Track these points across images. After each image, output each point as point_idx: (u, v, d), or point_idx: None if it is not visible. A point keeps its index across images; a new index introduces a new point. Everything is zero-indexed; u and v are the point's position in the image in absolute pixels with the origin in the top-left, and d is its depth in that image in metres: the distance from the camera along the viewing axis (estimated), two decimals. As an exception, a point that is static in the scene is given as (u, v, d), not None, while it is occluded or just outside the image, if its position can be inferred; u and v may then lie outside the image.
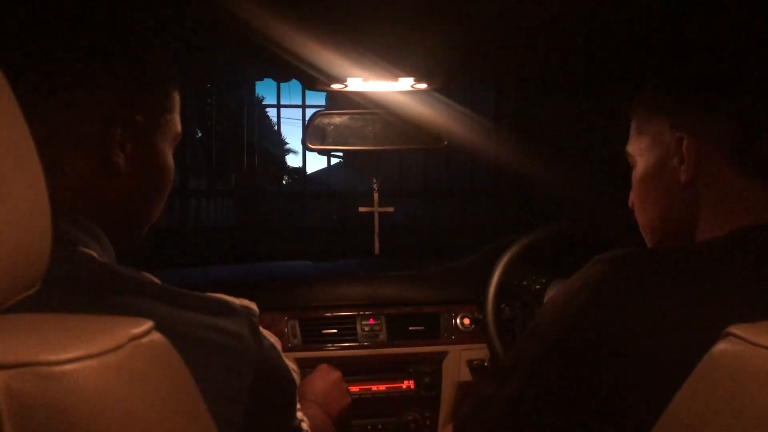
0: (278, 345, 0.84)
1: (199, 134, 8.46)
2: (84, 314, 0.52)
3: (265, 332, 0.81)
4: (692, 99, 0.84)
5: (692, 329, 0.68)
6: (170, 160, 0.88)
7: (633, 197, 0.94)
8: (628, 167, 0.97)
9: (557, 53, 1.27)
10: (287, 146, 13.67)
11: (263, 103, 11.35)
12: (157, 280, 0.74)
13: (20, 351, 0.43)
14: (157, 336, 0.51)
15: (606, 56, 1.34)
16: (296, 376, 0.88)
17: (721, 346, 0.57)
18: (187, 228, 5.70)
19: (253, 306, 0.79)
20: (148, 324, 0.51)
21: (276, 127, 10.26)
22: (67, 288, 0.65)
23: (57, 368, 0.43)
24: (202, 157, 7.46)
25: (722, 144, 0.81)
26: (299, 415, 0.90)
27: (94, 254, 0.72)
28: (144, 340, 0.49)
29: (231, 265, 2.30)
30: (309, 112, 4.70)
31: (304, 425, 0.92)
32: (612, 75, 1.49)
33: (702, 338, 0.59)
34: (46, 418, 0.42)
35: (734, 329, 0.56)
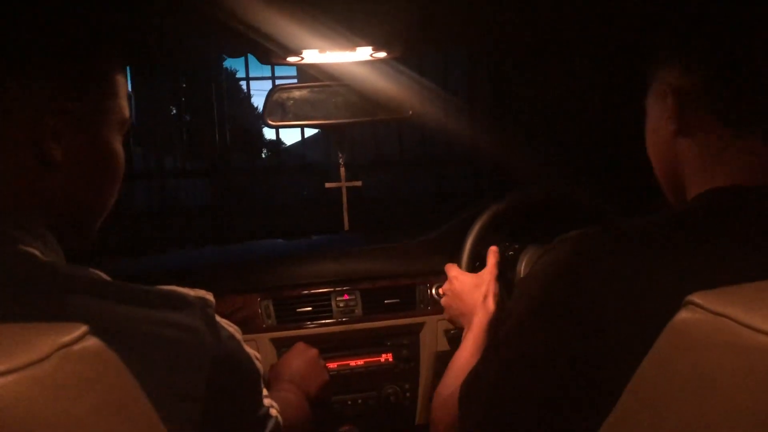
0: (238, 335, 0.81)
1: (174, 111, 8.33)
2: (9, 322, 0.49)
3: (224, 322, 0.78)
4: (675, 53, 0.84)
5: (654, 299, 0.67)
6: (117, 147, 0.83)
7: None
8: (600, 134, 0.97)
9: (520, 23, 1.24)
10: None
11: (236, 76, 11.20)
12: (105, 277, 0.70)
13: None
14: (91, 341, 0.48)
15: (571, 25, 1.32)
16: (259, 364, 0.86)
17: (682, 315, 0.56)
18: (165, 210, 5.63)
19: (209, 296, 0.76)
20: (80, 329, 0.48)
21: (250, 101, 10.14)
22: (6, 289, 0.62)
23: (-25, 385, 0.40)
24: (176, 136, 7.35)
25: (700, 97, 0.81)
26: (266, 401, 0.88)
27: (36, 252, 0.69)
28: (75, 347, 0.47)
29: (205, 246, 2.27)
30: (280, 83, 4.63)
31: (273, 411, 0.89)
32: (579, 42, 1.47)
33: (663, 307, 0.58)
34: (-37, 440, 0.40)
35: (695, 297, 0.55)
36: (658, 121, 0.87)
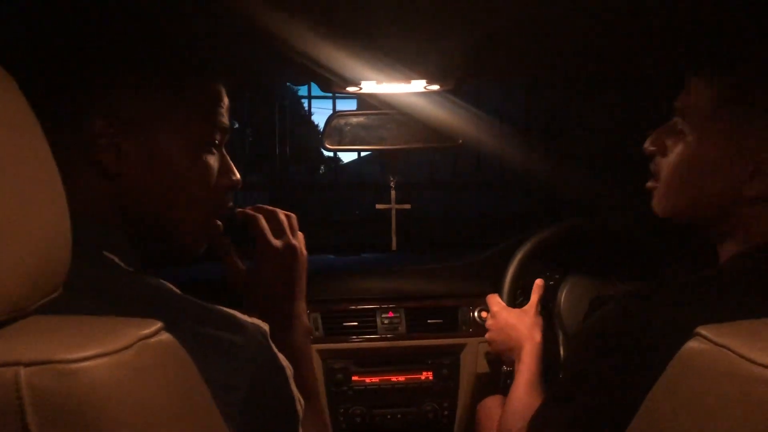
0: (289, 371, 0.80)
1: (236, 125, 8.61)
2: (99, 316, 0.58)
3: (280, 356, 0.79)
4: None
5: None
6: (183, 161, 0.82)
7: None
8: (640, 162, 1.02)
9: (565, 57, 1.29)
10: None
11: (298, 94, 11.44)
12: (176, 290, 0.76)
13: (41, 350, 0.49)
14: (165, 336, 0.57)
15: (618, 57, 1.36)
16: (300, 407, 0.81)
17: (689, 346, 0.60)
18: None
19: (264, 326, 0.77)
20: (156, 325, 0.57)
21: (310, 118, 10.35)
22: (89, 290, 0.68)
23: (73, 365, 0.49)
24: (238, 149, 7.58)
25: None
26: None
27: (116, 259, 0.76)
28: (152, 340, 0.55)
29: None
30: (339, 103, 4.74)
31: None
32: (627, 76, 1.51)
33: None
34: (63, 410, 0.48)
35: (702, 329, 0.60)
36: (727, 168, 0.89)
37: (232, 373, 0.69)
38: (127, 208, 0.80)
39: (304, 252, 1.06)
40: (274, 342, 0.78)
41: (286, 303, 1.02)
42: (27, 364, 0.48)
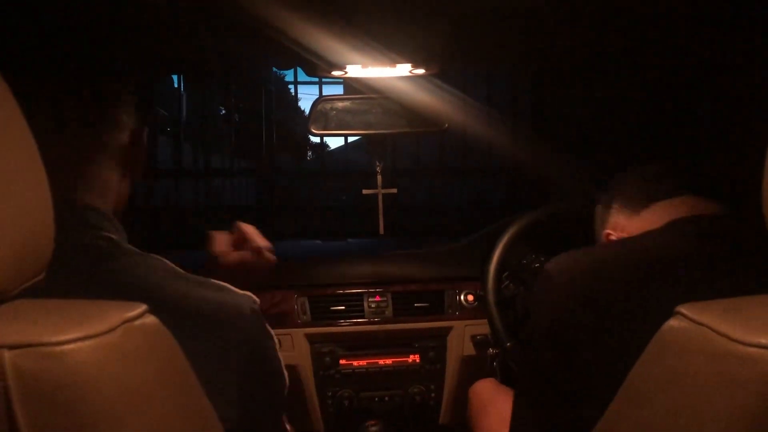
0: (275, 339, 0.89)
1: (223, 111, 8.55)
2: (83, 299, 0.59)
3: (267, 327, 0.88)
4: None
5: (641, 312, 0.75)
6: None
7: None
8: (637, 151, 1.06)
9: (553, 43, 1.29)
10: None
11: (285, 80, 11.38)
12: (169, 263, 0.84)
13: (26, 333, 0.50)
14: (149, 319, 0.57)
15: (604, 46, 1.37)
16: (286, 374, 0.92)
17: (669, 324, 0.62)
18: (210, 207, 5.79)
19: (254, 297, 0.86)
20: (141, 308, 0.57)
21: (297, 104, 10.32)
22: (95, 264, 0.77)
23: (57, 348, 0.49)
24: (225, 136, 7.55)
25: None
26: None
27: (116, 238, 0.83)
28: (136, 322, 0.55)
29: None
30: (326, 88, 4.71)
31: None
32: (610, 63, 1.51)
33: (647, 318, 0.65)
34: (48, 392, 0.49)
35: (682, 308, 0.61)
36: None
37: (232, 334, 0.79)
38: (122, 198, 0.92)
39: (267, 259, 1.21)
40: None
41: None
42: (11, 347, 0.48)
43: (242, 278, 1.07)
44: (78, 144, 0.84)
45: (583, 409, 0.81)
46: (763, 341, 0.52)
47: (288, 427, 0.95)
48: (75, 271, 0.73)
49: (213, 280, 0.83)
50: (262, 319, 0.85)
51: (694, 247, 0.83)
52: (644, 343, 0.65)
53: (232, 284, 0.88)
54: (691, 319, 0.59)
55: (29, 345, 0.49)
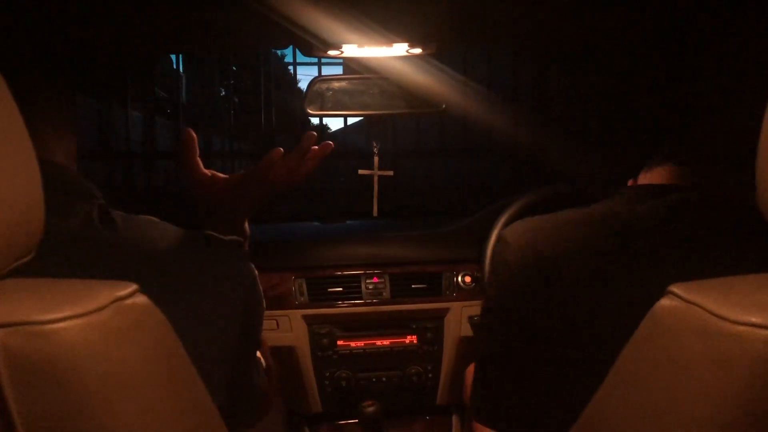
0: (255, 272, 1.01)
1: (222, 93, 8.52)
2: (74, 279, 0.58)
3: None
4: None
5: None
6: None
7: None
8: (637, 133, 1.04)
9: (554, 22, 1.28)
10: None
11: (284, 61, 11.32)
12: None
13: (15, 312, 0.50)
14: (140, 298, 0.57)
15: (604, 26, 1.35)
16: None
17: (662, 303, 0.61)
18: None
19: (238, 238, 1.04)
20: (132, 287, 0.57)
21: (297, 85, 10.27)
22: (98, 226, 0.83)
23: (47, 326, 0.49)
24: (224, 117, 7.53)
25: None
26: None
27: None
28: (127, 301, 0.55)
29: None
30: (325, 69, 4.67)
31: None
32: (605, 46, 1.50)
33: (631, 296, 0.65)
34: (37, 371, 0.49)
35: (674, 287, 0.61)
36: None
37: (231, 267, 0.94)
38: None
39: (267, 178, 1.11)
40: None
41: (230, 214, 1.09)
42: (1, 326, 0.48)
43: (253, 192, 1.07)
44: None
45: (540, 383, 0.80)
46: (753, 319, 0.52)
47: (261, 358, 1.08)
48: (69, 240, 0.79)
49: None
50: (246, 256, 1.00)
51: (659, 217, 0.81)
52: (600, 313, 0.65)
53: (211, 204, 1.02)
54: (682, 299, 0.59)
55: (18, 324, 0.49)
